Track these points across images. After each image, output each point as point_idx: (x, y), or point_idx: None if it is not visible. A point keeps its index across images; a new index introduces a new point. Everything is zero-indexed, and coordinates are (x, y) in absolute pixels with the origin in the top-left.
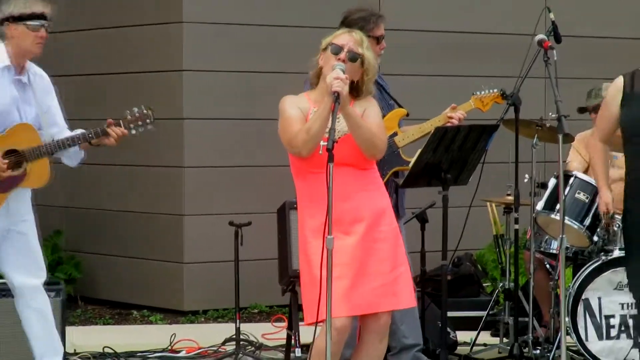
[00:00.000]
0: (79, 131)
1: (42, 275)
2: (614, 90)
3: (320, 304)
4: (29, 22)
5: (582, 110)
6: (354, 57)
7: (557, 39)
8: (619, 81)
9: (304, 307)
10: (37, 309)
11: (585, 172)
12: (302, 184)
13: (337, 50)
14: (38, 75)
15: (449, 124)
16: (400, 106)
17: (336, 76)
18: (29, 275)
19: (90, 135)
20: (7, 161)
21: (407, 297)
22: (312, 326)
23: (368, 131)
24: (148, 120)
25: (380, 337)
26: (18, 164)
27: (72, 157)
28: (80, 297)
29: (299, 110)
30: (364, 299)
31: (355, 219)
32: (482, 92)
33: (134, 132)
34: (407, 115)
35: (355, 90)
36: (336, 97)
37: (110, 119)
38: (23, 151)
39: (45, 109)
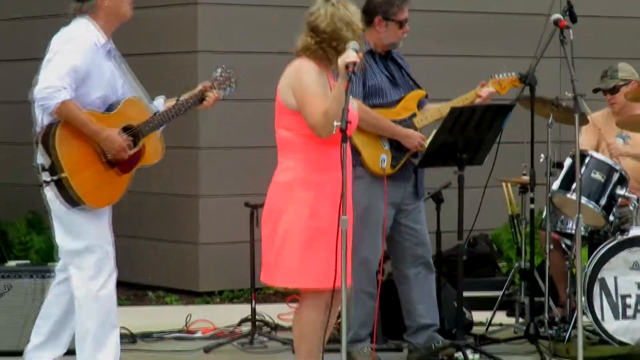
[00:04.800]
0: (172, 101)
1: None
2: None
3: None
4: None
5: (596, 90)
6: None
7: (573, 19)
8: None
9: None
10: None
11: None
12: (308, 152)
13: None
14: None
15: (476, 102)
16: (419, 87)
17: (347, 57)
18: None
19: (192, 102)
20: (130, 138)
21: None
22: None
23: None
24: (233, 80)
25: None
26: (135, 141)
27: None
28: None
29: (325, 89)
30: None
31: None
32: (501, 75)
33: (223, 94)
34: (426, 96)
35: None
36: (350, 77)
37: (207, 82)
38: (138, 126)
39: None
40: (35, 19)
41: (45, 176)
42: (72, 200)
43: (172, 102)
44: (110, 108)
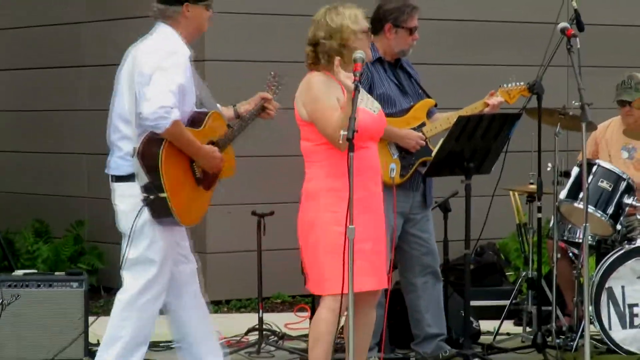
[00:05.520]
0: (229, 108)
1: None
2: None
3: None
4: (206, 2)
5: (622, 103)
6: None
7: (580, 27)
8: None
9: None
10: None
11: None
12: (329, 159)
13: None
14: None
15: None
16: (428, 96)
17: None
18: None
19: (255, 114)
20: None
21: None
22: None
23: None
24: (281, 84)
25: (372, 305)
26: None
27: None
28: (102, 287)
29: (336, 100)
30: (378, 275)
31: (376, 194)
32: (510, 85)
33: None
34: (436, 105)
35: None
36: (356, 86)
37: (264, 93)
38: (218, 141)
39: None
40: (37, 27)
41: (136, 190)
42: (159, 214)
43: (229, 110)
44: (194, 122)
